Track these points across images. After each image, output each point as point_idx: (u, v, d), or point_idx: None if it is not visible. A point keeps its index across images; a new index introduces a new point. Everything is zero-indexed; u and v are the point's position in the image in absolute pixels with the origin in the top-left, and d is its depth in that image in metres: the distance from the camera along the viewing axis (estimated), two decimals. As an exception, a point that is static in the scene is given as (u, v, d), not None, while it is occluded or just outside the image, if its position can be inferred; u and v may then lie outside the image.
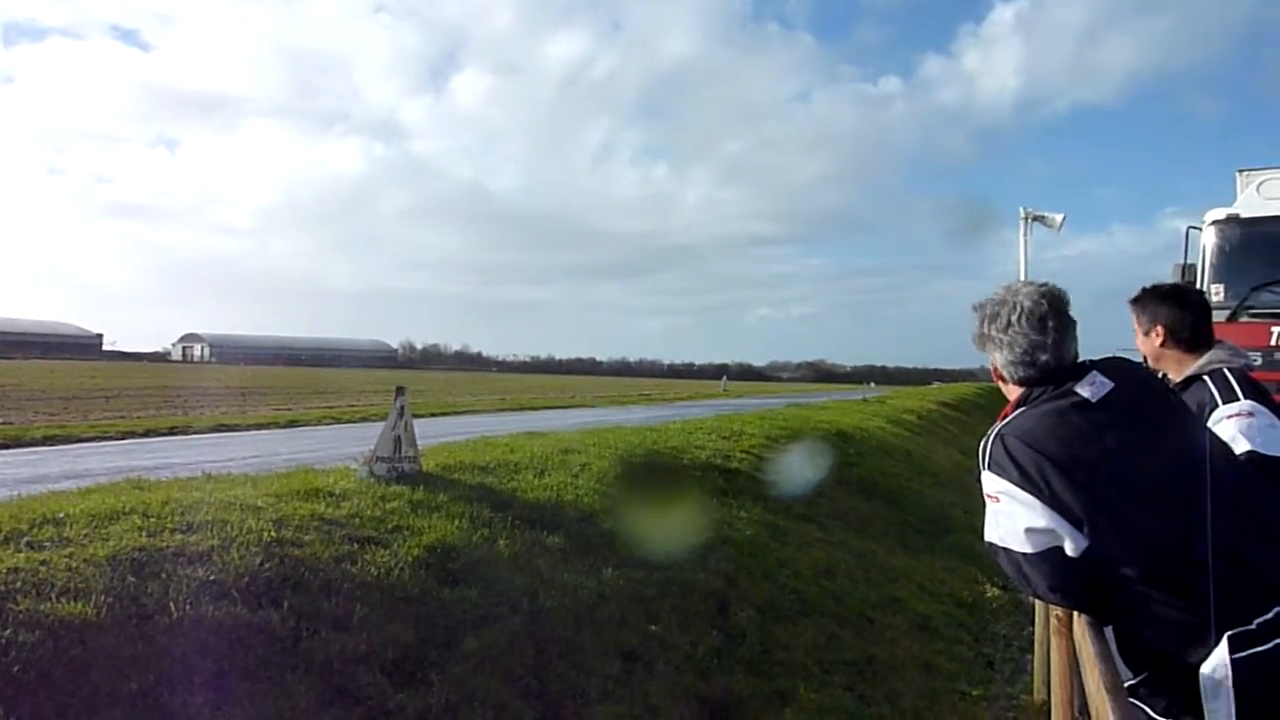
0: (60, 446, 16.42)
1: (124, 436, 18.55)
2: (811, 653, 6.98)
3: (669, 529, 8.00)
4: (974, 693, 7.40)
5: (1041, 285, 2.78)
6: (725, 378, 70.10)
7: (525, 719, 4.81)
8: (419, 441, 7.78)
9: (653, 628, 6.31)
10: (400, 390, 7.50)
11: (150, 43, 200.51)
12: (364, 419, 24.35)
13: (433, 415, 25.90)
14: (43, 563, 4.24)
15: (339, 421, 24.30)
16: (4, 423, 21.14)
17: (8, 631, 3.64)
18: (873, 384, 64.86)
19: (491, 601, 5.51)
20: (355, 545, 5.51)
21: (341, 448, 12.94)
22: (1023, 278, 12.22)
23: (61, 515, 4.95)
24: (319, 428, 22.37)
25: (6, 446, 16.07)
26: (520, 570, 6.09)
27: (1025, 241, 12.50)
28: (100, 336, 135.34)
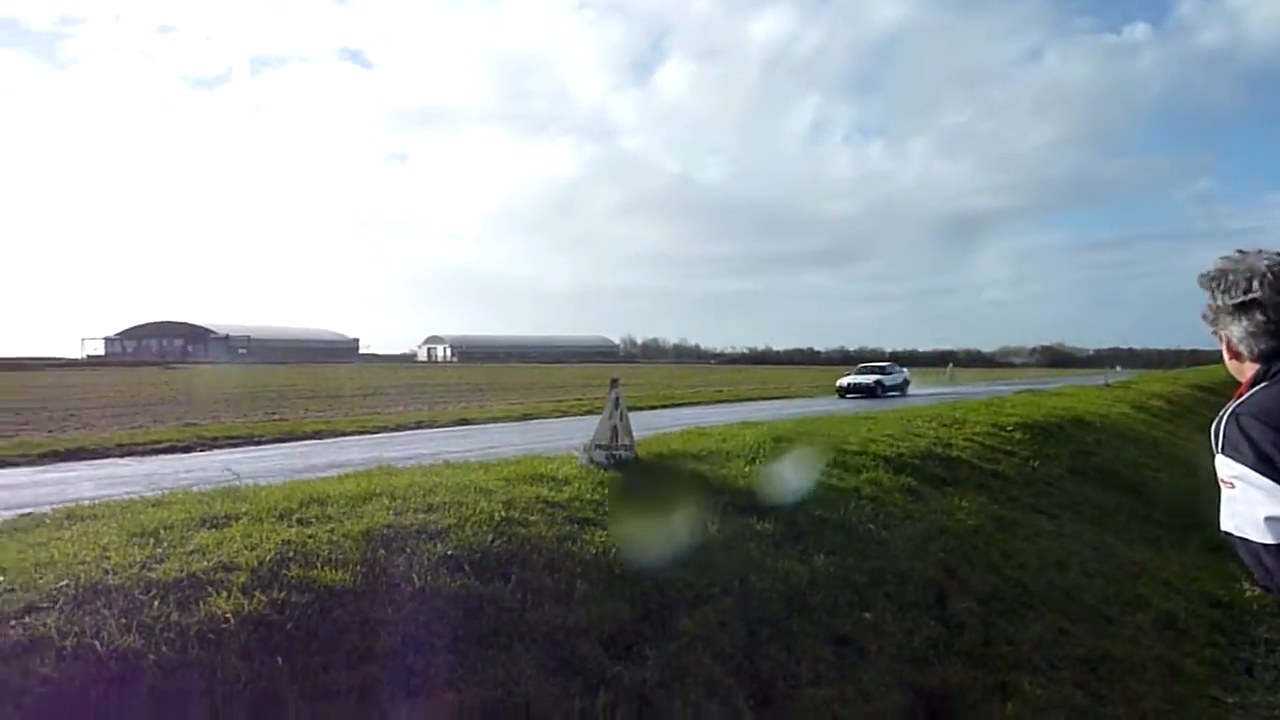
0: (326, 440, 18.35)
1: (379, 431, 20.44)
2: (1038, 647, 6.67)
3: (882, 517, 7.90)
4: (1228, 700, 6.81)
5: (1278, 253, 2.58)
6: (950, 365, 67.08)
7: (736, 697, 4.95)
8: (636, 432, 8.12)
9: (866, 615, 6.27)
10: (615, 382, 7.86)
11: (373, 61, 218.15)
12: (590, 412, 25.41)
13: (651, 408, 26.64)
14: (310, 536, 4.85)
15: (566, 415, 25.54)
16: (280, 419, 23.82)
17: (283, 593, 4.21)
18: (1118, 368, 59.88)
19: (704, 583, 5.70)
20: (575, 526, 5.88)
21: (568, 439, 13.63)
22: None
23: (324, 496, 5.63)
24: (548, 420, 23.64)
25: (282, 440, 18.18)
26: (731, 554, 6.25)
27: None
28: (357, 341, 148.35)
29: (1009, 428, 13.66)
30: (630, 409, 8.06)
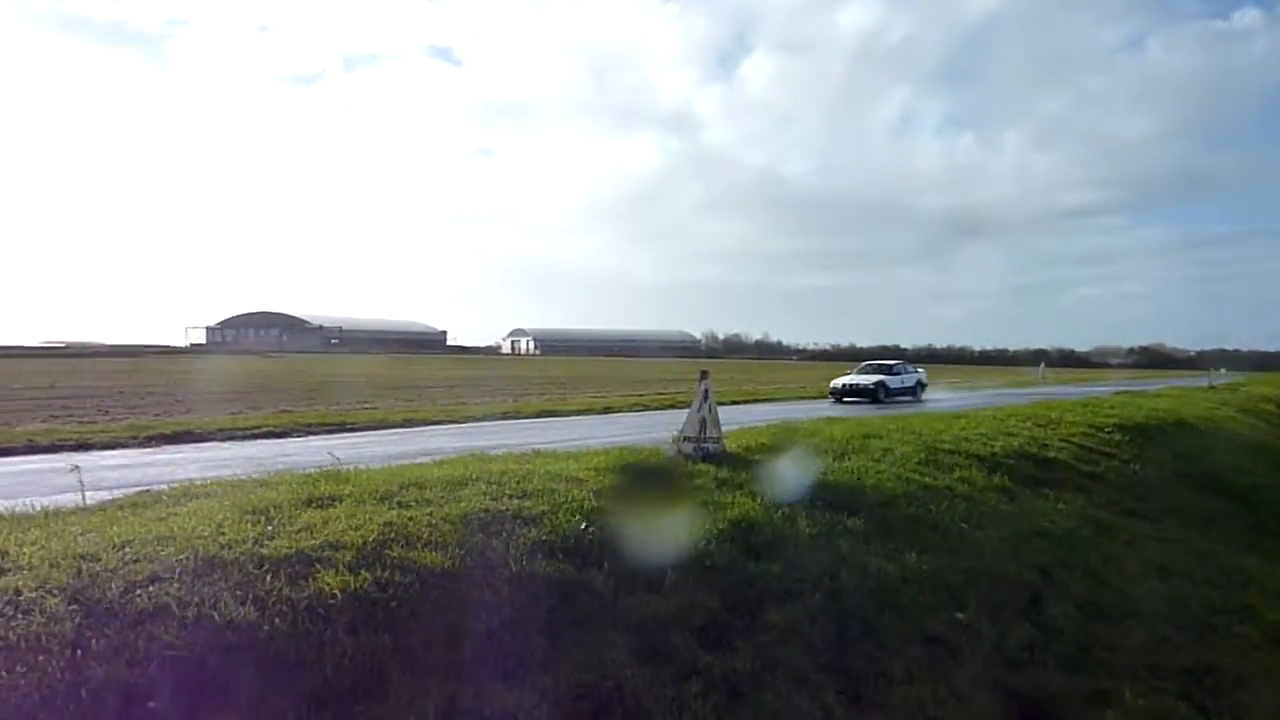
0: (416, 428, 18.75)
1: (465, 420, 20.81)
2: (1139, 655, 6.46)
3: (975, 517, 7.74)
4: (1345, 717, 6.47)
5: None
6: (1043, 364, 65.02)
7: (826, 692, 4.92)
8: (722, 425, 8.12)
9: (959, 615, 6.17)
10: (704, 374, 7.87)
11: (461, 58, 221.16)
12: (670, 406, 25.43)
13: (734, 402, 26.51)
14: (410, 518, 5.00)
15: (647, 409, 25.56)
16: (372, 408, 24.46)
17: (386, 573, 4.36)
18: (1223, 370, 57.24)
19: (793, 577, 5.68)
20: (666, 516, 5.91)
21: (649, 432, 13.69)
22: None
23: (423, 480, 5.79)
24: (629, 414, 23.70)
25: (374, 428, 18.66)
26: (821, 550, 6.21)
27: None
28: (444, 333, 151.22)
29: (1107, 429, 13.25)
30: (717, 403, 8.06)
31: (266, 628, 3.78)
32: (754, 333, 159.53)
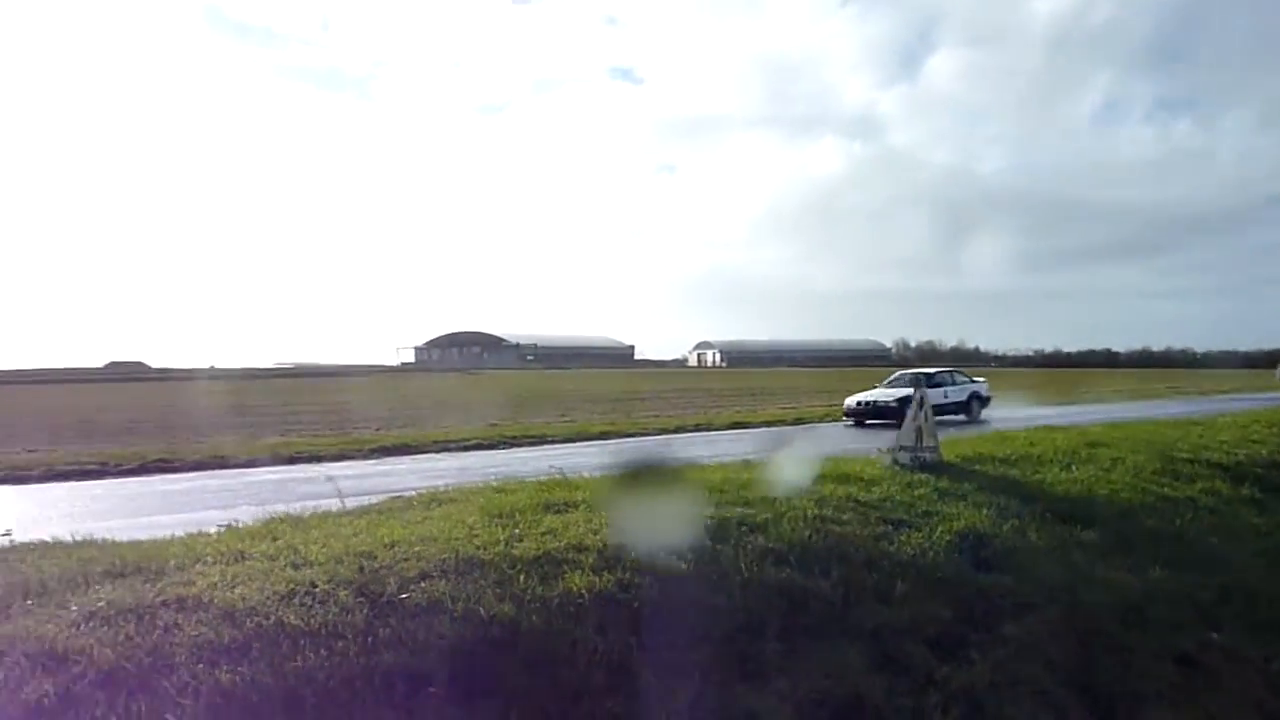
0: (613, 440, 19.31)
1: (659, 432, 21.25)
2: None
3: (1223, 530, 7.18)
4: None
5: None
6: (1279, 366, 58.83)
7: (1072, 709, 4.74)
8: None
9: (1213, 635, 5.76)
10: (919, 383, 7.71)
11: (642, 77, 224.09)
12: (865, 416, 24.91)
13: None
14: (643, 524, 5.20)
15: (839, 420, 25.17)
16: (570, 421, 25.37)
17: (626, 574, 4.57)
18: None
19: (1027, 590, 5.49)
20: (889, 526, 5.86)
21: (848, 443, 13.49)
22: None
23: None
24: (821, 424, 23.41)
25: (572, 440, 19.37)
26: (1054, 563, 5.96)
27: None
28: (632, 347, 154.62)
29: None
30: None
31: (525, 624, 4.05)
32: (948, 339, 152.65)
